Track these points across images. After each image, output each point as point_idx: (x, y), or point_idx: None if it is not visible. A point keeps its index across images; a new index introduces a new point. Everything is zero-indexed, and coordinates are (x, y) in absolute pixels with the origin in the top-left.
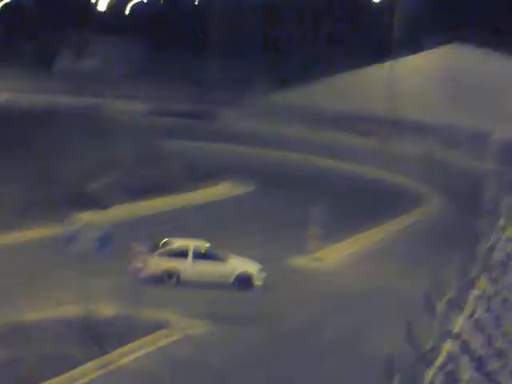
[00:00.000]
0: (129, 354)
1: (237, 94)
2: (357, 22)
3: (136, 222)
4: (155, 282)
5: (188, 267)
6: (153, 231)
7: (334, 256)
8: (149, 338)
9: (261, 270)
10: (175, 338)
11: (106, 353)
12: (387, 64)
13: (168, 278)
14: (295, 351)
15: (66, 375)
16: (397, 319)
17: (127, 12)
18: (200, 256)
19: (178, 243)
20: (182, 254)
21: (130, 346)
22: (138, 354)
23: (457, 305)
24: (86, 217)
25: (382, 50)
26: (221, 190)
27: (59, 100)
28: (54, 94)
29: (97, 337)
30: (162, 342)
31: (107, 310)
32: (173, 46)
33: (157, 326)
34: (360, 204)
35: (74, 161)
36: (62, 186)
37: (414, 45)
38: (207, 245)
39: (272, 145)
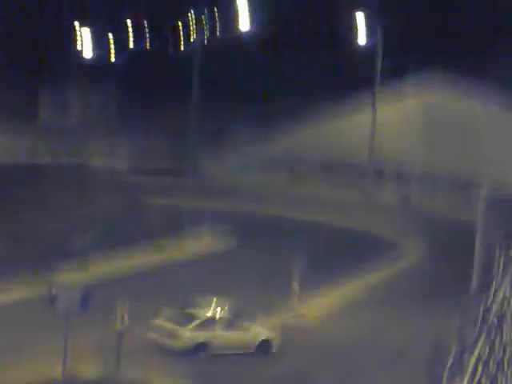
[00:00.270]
0: None
1: (217, 147)
2: (337, 68)
3: (117, 279)
4: (188, 356)
5: (217, 339)
6: (136, 288)
7: (316, 311)
8: None
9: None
10: None
11: None
12: (368, 112)
13: (200, 352)
14: None
15: None
16: (382, 370)
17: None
18: (227, 325)
19: (203, 310)
20: (210, 324)
21: None
22: None
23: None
24: (67, 276)
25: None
26: (202, 245)
27: (40, 158)
28: (34, 153)
29: None
30: None
31: (89, 371)
32: (151, 100)
33: None
34: (341, 256)
35: (54, 219)
36: (42, 244)
37: (394, 88)
38: (227, 309)
39: (253, 198)
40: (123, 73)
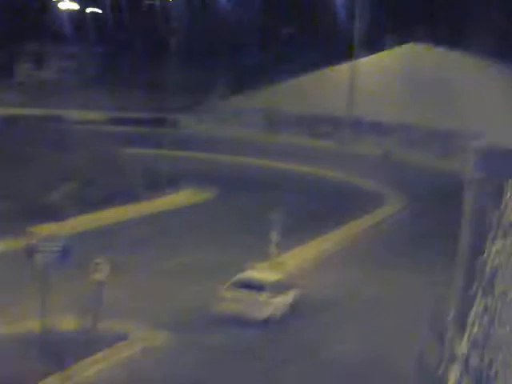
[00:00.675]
0: (89, 368)
1: (196, 99)
2: (317, 23)
3: (96, 233)
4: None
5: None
6: (113, 242)
7: (295, 261)
8: (109, 350)
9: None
10: (135, 349)
11: (66, 367)
12: (346, 64)
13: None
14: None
15: None
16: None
17: (83, 21)
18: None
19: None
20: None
21: (90, 359)
22: (98, 367)
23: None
24: (45, 229)
25: (341, 50)
26: (181, 198)
27: (16, 112)
28: (11, 106)
29: (56, 351)
30: (123, 354)
31: (67, 323)
32: (130, 53)
33: (117, 338)
34: (321, 206)
35: (31, 172)
36: (20, 198)
37: (372, 45)
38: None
39: (232, 150)
40: (102, 24)
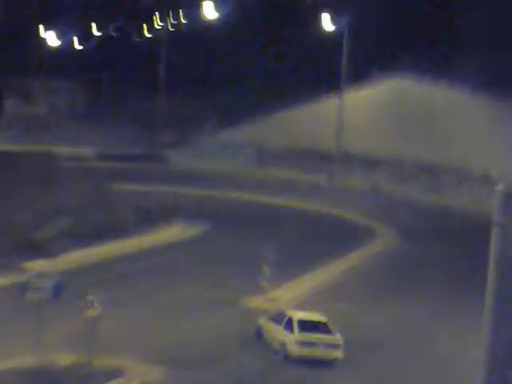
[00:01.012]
0: None
1: (185, 134)
2: (304, 57)
3: (87, 269)
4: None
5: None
6: (104, 278)
7: (288, 295)
8: None
9: None
10: None
11: None
12: (333, 98)
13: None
14: None
15: None
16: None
17: (71, 56)
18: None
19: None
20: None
21: None
22: None
23: None
24: (37, 265)
25: (329, 83)
26: (172, 233)
27: (5, 148)
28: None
29: None
30: None
31: (62, 359)
32: (119, 88)
33: (113, 374)
34: (312, 240)
35: (21, 208)
36: (9, 234)
37: (361, 78)
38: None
39: (222, 185)
40: (88, 61)
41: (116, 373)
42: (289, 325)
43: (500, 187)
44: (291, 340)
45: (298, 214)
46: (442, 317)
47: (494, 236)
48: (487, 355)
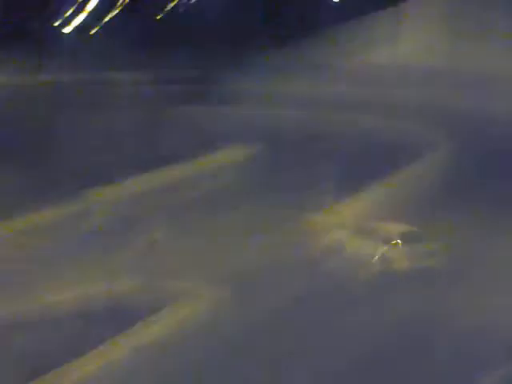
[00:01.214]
0: (153, 326)
1: (237, 54)
2: None
3: (147, 195)
4: None
5: None
6: (165, 202)
7: (350, 210)
8: (171, 307)
9: None
10: (199, 305)
11: (130, 327)
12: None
13: None
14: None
15: (94, 352)
16: None
17: None
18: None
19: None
20: None
21: (154, 317)
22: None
23: None
24: (97, 193)
25: None
26: (229, 155)
27: (57, 76)
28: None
29: (121, 311)
30: (185, 312)
31: (128, 285)
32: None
33: (180, 295)
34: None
35: (77, 136)
36: (67, 163)
37: None
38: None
39: (276, 104)
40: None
41: (182, 294)
42: None
43: None
44: None
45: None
46: None
47: None
48: None
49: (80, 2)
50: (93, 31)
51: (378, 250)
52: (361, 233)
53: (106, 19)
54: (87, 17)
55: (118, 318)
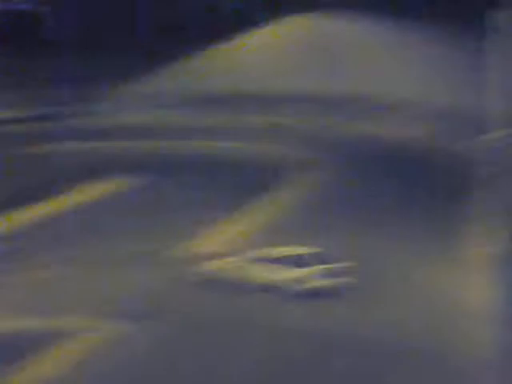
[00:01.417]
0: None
1: (99, 88)
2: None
3: (12, 235)
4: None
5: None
6: (32, 241)
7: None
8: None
9: None
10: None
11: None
12: (242, 37)
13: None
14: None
15: None
16: None
17: None
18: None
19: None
20: None
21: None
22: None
23: None
24: None
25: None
26: (103, 188)
27: None
28: None
29: (8, 349)
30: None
31: (15, 322)
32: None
33: (64, 334)
34: (251, 185)
35: None
36: None
37: (270, 15)
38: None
39: (153, 135)
40: None
41: (66, 332)
42: None
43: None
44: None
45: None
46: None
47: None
48: None
49: None
50: None
51: (283, 274)
52: (256, 259)
53: None
54: None
55: (4, 356)
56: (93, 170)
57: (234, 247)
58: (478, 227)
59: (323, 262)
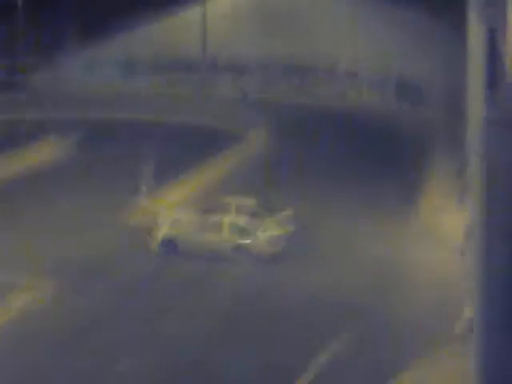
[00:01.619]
0: None
1: (46, 56)
2: None
3: None
4: None
5: None
6: None
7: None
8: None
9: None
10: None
11: None
12: (194, 8)
13: None
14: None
15: None
16: None
17: None
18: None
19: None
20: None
21: None
22: None
23: None
24: None
25: None
26: (43, 154)
27: None
28: None
29: None
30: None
31: None
32: None
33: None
34: (187, 152)
35: None
36: None
37: None
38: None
39: (87, 104)
40: None
41: (9, 287)
42: None
43: (483, 113)
44: None
45: (169, 126)
46: None
47: (478, 168)
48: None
49: None
50: None
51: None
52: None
53: None
54: None
55: None
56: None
57: (188, 200)
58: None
59: (268, 211)
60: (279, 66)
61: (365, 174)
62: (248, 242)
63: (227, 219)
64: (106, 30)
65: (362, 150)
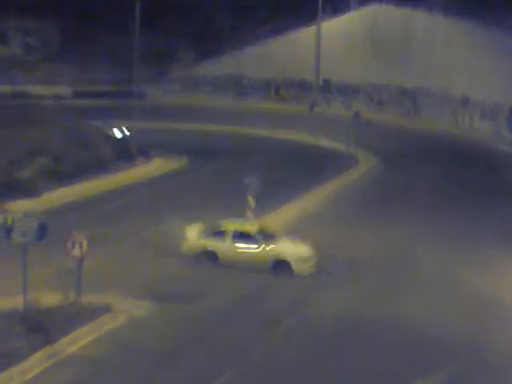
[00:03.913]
0: (75, 342)
1: (161, 69)
2: None
3: (69, 207)
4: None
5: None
6: (87, 215)
7: (272, 224)
8: (94, 323)
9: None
10: (120, 321)
11: (51, 343)
12: (311, 28)
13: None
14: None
15: (13, 369)
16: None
17: None
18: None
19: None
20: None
21: (76, 333)
22: (84, 341)
23: None
24: (20, 206)
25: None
26: (153, 167)
27: None
28: None
29: (40, 327)
30: (108, 327)
31: (50, 298)
32: (93, 24)
33: (101, 311)
34: (296, 169)
35: (0, 149)
36: None
37: (336, 7)
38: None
39: (201, 118)
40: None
41: (103, 309)
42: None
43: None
44: None
45: (281, 145)
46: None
47: None
48: None
49: None
50: None
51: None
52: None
53: None
54: None
55: (37, 333)
56: (143, 149)
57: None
58: None
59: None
60: (390, 89)
61: (468, 205)
62: None
63: None
64: (220, 47)
65: (467, 180)
